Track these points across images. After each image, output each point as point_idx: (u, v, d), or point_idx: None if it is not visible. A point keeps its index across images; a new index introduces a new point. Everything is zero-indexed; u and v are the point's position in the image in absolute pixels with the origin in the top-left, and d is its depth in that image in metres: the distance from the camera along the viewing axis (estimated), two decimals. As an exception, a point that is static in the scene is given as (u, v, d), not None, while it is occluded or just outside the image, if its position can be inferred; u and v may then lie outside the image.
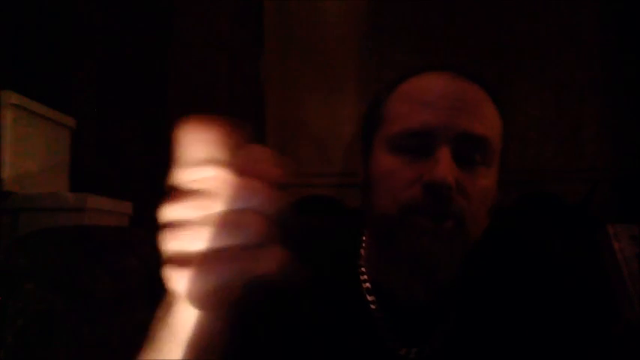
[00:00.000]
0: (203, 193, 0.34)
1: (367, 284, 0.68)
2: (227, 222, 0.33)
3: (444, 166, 0.57)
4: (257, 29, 1.98)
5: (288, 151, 1.93)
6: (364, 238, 0.72)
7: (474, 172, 0.60)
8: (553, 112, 1.91)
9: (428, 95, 0.62)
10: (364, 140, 0.69)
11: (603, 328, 0.66)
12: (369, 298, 0.67)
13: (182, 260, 0.34)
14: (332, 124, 1.89)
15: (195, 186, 0.34)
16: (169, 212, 0.34)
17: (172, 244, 0.35)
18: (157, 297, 0.87)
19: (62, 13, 1.91)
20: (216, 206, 0.33)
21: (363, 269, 0.69)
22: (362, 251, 0.71)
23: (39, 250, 0.76)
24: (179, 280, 0.34)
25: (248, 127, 0.36)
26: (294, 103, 1.94)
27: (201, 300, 0.34)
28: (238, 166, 0.34)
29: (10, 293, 0.71)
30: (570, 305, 0.65)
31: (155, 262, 0.92)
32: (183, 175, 0.35)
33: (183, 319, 0.38)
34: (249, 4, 1.99)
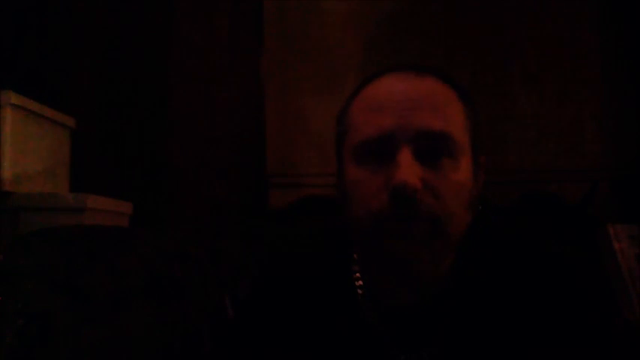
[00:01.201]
0: None
1: (362, 290, 0.68)
2: None
3: (404, 169, 0.57)
4: (257, 29, 1.98)
5: (288, 151, 1.93)
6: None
7: (440, 168, 0.59)
8: (553, 112, 1.92)
9: (381, 100, 0.62)
10: (336, 151, 0.69)
11: (603, 329, 0.66)
12: (365, 304, 0.67)
13: None
14: (332, 124, 1.89)
15: None
16: None
17: None
18: (157, 297, 0.88)
19: (62, 13, 1.91)
20: None
21: (357, 274, 0.69)
22: (355, 255, 0.70)
23: (39, 250, 0.76)
24: None
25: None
26: (294, 103, 1.94)
27: None
28: None
29: (10, 293, 0.71)
30: (570, 306, 0.65)
31: (155, 262, 0.92)
32: None
33: None
34: (249, 4, 1.99)
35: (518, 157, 1.90)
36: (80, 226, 1.29)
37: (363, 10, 1.96)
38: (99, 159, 1.92)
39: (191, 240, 0.99)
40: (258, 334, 0.69)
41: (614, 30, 1.92)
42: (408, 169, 0.57)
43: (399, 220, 0.58)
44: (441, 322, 0.65)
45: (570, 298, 0.65)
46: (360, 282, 0.68)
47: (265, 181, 1.94)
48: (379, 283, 0.66)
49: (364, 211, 0.60)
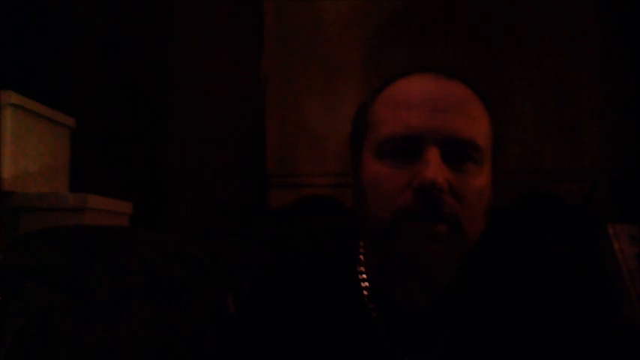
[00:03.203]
0: None
1: (367, 291, 0.67)
2: None
3: (433, 167, 0.57)
4: (257, 29, 1.98)
5: (288, 151, 1.93)
6: (362, 242, 0.71)
7: (464, 173, 0.60)
8: (553, 112, 1.91)
9: (411, 98, 0.62)
10: (353, 148, 0.69)
11: (603, 329, 0.66)
12: (370, 305, 0.67)
13: None
14: (332, 124, 1.89)
15: None
16: None
17: None
18: (157, 297, 0.88)
19: (62, 13, 1.91)
20: None
21: (363, 275, 0.69)
22: (361, 256, 0.70)
23: (39, 250, 0.76)
24: None
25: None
26: (294, 103, 1.94)
27: None
28: None
29: (10, 293, 0.71)
30: (570, 306, 0.65)
31: (155, 262, 0.93)
32: None
33: None
34: (249, 4, 1.99)
35: (518, 157, 1.90)
36: (80, 226, 1.29)
37: (363, 10, 1.96)
38: (99, 159, 1.92)
39: (191, 240, 0.99)
40: (261, 334, 0.69)
41: (615, 30, 1.92)
42: (436, 167, 0.57)
43: (421, 219, 0.58)
44: (445, 325, 0.65)
45: (571, 298, 0.65)
46: (366, 283, 0.68)
47: (265, 181, 1.94)
48: (389, 284, 0.66)
49: (385, 208, 0.59)
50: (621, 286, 1.47)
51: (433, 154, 0.58)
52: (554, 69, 1.92)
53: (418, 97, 0.61)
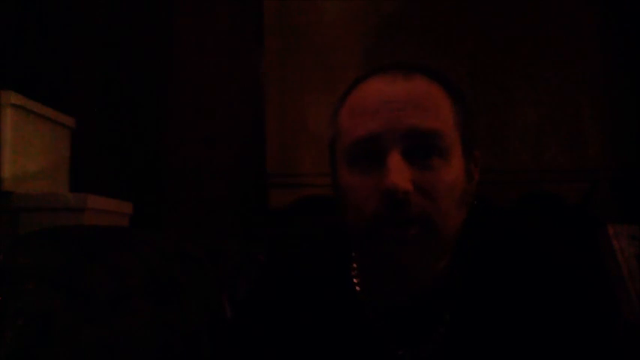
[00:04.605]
0: None
1: (359, 286, 0.68)
2: None
3: (393, 172, 0.57)
4: (257, 29, 1.98)
5: (288, 151, 1.93)
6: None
7: (431, 169, 0.59)
8: (553, 112, 1.92)
9: (368, 103, 0.62)
10: (330, 156, 0.70)
11: (603, 329, 0.66)
12: (363, 300, 0.67)
13: None
14: (332, 124, 1.89)
15: None
16: None
17: None
18: (157, 297, 0.88)
19: (62, 13, 1.91)
20: None
21: (355, 272, 0.70)
22: (354, 254, 0.71)
23: (39, 250, 0.76)
24: None
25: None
26: (294, 103, 1.94)
27: None
28: None
29: (10, 293, 0.71)
30: (570, 305, 0.65)
31: (155, 262, 0.92)
32: None
33: None
34: (249, 3, 1.99)
35: (518, 157, 1.90)
36: (80, 226, 1.29)
37: (363, 10, 1.96)
38: (99, 159, 1.92)
39: (191, 240, 0.99)
40: (258, 334, 0.69)
41: (614, 30, 1.92)
42: (397, 172, 0.57)
43: (391, 224, 0.58)
44: (440, 320, 0.65)
45: (570, 297, 0.65)
46: (359, 279, 0.69)
47: (265, 181, 1.94)
48: (375, 283, 0.67)
49: (357, 215, 0.61)
50: (621, 286, 1.47)
51: (393, 159, 0.58)
52: (555, 69, 1.92)
53: (374, 101, 0.62)
